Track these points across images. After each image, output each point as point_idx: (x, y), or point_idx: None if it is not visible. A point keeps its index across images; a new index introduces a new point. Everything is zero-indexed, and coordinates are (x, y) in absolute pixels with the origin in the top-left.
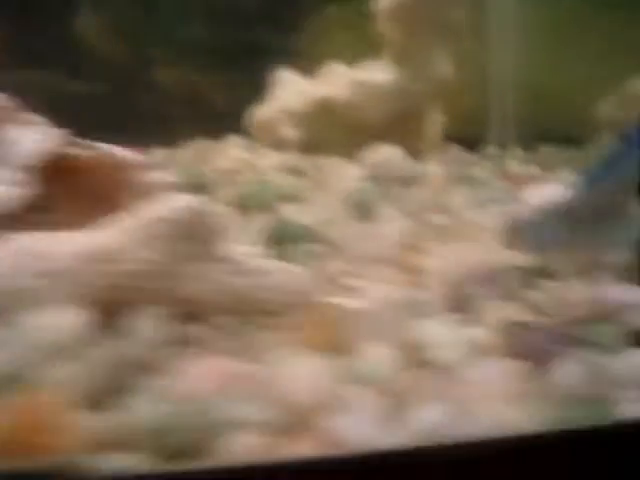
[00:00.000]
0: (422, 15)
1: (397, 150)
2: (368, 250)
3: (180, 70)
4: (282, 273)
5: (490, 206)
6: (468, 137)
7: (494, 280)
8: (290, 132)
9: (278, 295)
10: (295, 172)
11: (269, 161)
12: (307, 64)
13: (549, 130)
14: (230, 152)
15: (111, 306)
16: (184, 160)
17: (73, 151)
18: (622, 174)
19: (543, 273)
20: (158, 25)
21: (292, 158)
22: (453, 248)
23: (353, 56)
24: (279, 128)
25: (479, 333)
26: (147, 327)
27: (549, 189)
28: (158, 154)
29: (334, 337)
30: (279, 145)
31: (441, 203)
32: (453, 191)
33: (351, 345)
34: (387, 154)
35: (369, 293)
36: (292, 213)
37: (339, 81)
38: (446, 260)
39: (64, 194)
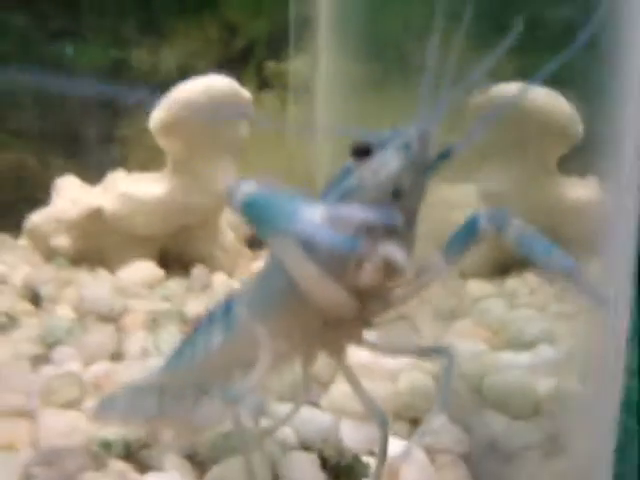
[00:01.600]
0: (198, 131)
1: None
2: None
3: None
4: None
5: None
6: None
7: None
8: (62, 240)
9: None
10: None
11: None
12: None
13: None
14: None
15: None
16: None
17: None
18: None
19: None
20: None
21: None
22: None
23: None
24: (51, 236)
25: None
26: None
27: None
28: None
29: None
30: (51, 253)
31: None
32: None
33: None
34: (131, 273)
35: None
36: None
37: (114, 191)
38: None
39: None
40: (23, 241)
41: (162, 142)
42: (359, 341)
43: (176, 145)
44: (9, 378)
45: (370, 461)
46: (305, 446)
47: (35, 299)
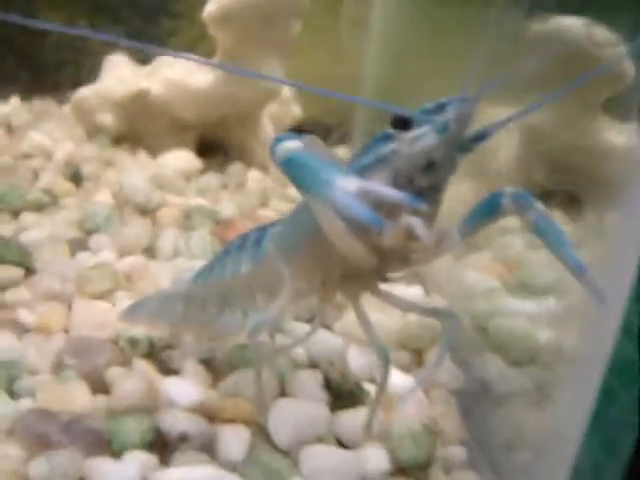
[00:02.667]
0: (250, 25)
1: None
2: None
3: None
4: None
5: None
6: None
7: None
8: (107, 119)
9: None
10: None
11: (62, 153)
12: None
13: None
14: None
15: None
16: None
17: None
18: None
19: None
20: None
21: (85, 150)
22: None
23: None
24: (96, 113)
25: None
26: None
27: None
28: None
29: None
30: (95, 129)
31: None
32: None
33: None
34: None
35: None
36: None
37: (161, 75)
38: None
39: None
40: (67, 109)
41: (214, 32)
42: (374, 291)
43: (227, 37)
44: (47, 260)
45: (370, 389)
46: (313, 364)
47: (76, 178)
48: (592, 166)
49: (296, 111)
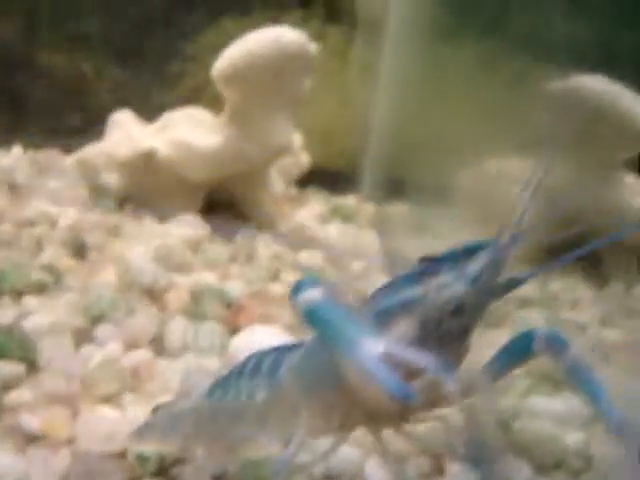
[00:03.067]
0: (260, 83)
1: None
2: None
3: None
4: None
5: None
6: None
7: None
8: (112, 179)
9: None
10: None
11: (66, 220)
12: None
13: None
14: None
15: None
16: None
17: None
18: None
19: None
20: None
21: (89, 216)
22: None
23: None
24: (101, 173)
25: None
26: None
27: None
28: None
29: None
30: (99, 189)
31: None
32: None
33: None
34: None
35: None
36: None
37: (169, 135)
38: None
39: None
40: (71, 162)
41: (222, 90)
42: (397, 429)
43: (236, 95)
44: (51, 356)
45: None
46: (329, 477)
47: (80, 250)
48: (613, 229)
49: (304, 160)
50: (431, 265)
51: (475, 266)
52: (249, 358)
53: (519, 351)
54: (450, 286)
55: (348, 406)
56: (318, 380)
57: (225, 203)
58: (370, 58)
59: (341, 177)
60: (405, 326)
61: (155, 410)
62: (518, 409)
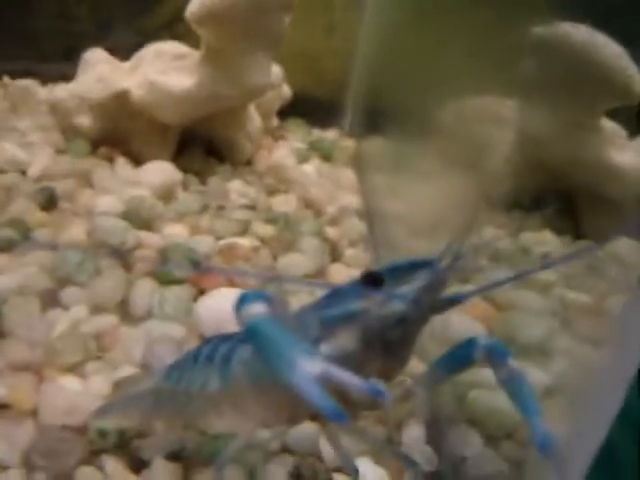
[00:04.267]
0: (235, 21)
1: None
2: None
3: None
4: None
5: None
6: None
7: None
8: (84, 120)
9: None
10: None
11: (37, 167)
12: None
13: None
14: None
15: None
16: None
17: None
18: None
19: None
20: None
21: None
22: None
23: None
24: (74, 114)
25: None
26: None
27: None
28: None
29: None
30: (73, 131)
31: None
32: None
33: None
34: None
35: None
36: None
37: (142, 76)
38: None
39: None
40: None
41: (197, 30)
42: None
43: (211, 35)
44: (17, 318)
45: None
46: (285, 450)
47: (50, 201)
48: (592, 182)
49: (286, 92)
50: (375, 280)
51: (417, 284)
52: (205, 343)
53: (462, 358)
54: (391, 304)
55: (296, 402)
56: (268, 380)
57: (200, 141)
58: None
59: (323, 106)
60: (347, 337)
61: (116, 386)
62: (473, 380)
